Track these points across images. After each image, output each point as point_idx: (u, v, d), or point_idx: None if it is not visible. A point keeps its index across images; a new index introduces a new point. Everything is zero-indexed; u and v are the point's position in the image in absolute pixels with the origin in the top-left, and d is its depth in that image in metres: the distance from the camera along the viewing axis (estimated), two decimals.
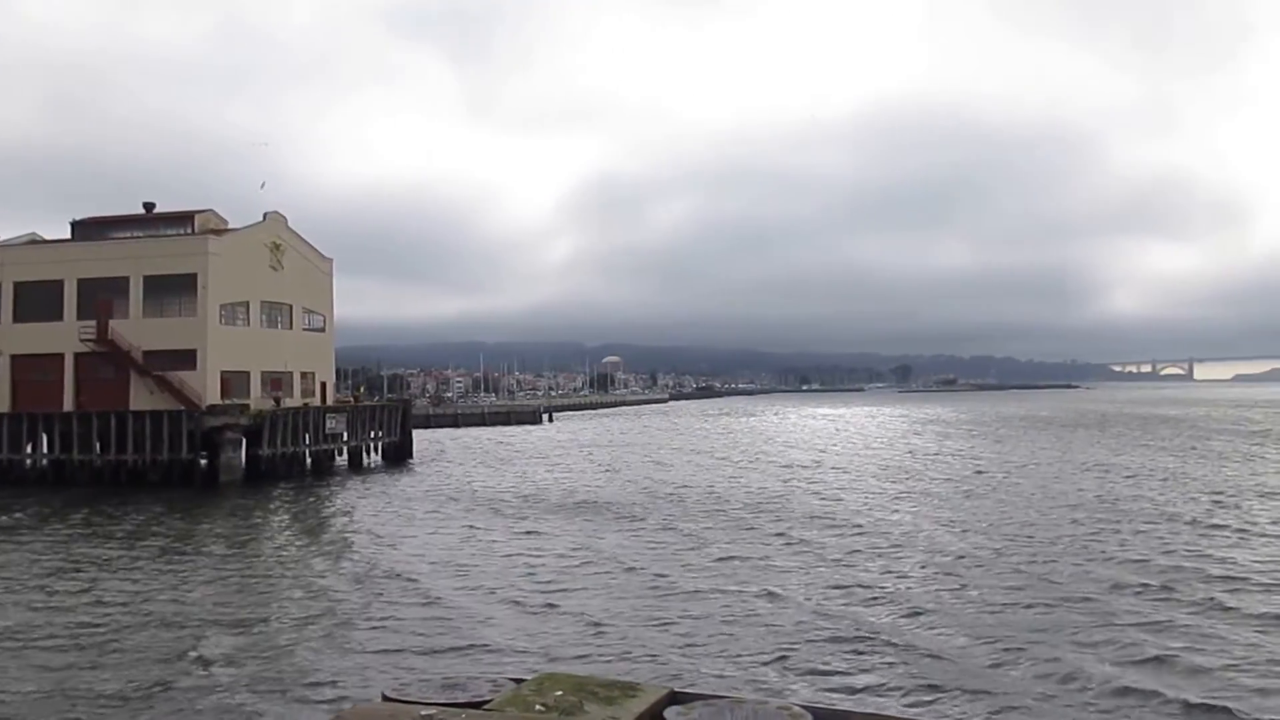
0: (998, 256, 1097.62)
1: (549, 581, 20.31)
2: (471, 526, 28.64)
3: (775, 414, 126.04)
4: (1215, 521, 27.13)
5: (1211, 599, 17.36)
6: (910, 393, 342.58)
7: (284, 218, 55.26)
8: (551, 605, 18.11)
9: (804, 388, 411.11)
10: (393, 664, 14.53)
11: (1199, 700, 12.18)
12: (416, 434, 63.72)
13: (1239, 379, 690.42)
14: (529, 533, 27.13)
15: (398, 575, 21.54)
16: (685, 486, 37.22)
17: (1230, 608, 16.92)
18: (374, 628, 17.04)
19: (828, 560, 21.41)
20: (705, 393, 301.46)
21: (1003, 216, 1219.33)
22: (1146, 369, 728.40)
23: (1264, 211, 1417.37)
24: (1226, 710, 11.83)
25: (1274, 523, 26.78)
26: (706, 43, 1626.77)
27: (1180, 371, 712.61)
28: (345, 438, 53.52)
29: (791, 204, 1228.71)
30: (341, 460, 53.35)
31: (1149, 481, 37.54)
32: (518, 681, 5.06)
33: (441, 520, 30.35)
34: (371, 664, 14.72)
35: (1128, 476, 39.32)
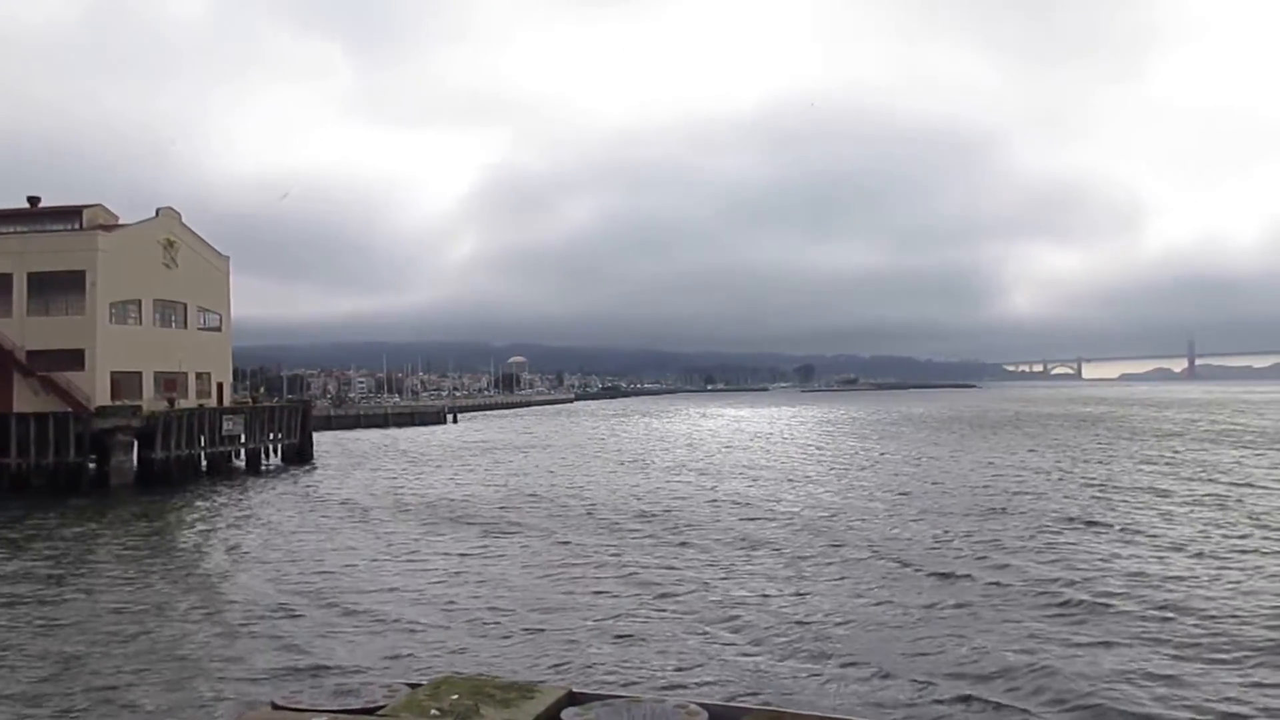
0: (898, 257, 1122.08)
1: (444, 586, 19.93)
2: (369, 532, 28.00)
3: (677, 414, 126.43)
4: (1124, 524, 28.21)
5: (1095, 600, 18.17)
6: (813, 392, 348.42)
7: (178, 214, 53.68)
8: (447, 610, 17.81)
9: (709, 387, 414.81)
10: (283, 671, 14.08)
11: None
12: (318, 436, 62.46)
13: (1124, 378, 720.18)
14: (425, 536, 26.59)
15: (289, 582, 20.96)
16: (579, 489, 36.97)
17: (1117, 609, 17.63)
18: (263, 635, 16.55)
19: (721, 564, 21.33)
20: (611, 393, 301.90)
21: (904, 217, 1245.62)
22: (1038, 368, 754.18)
23: (1153, 216, 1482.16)
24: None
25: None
26: (612, 39, 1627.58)
27: (1070, 371, 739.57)
28: (243, 440, 52.24)
29: (698, 203, 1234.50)
30: (239, 463, 52.06)
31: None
32: (413, 686, 5.01)
33: (337, 525, 29.63)
34: (260, 672, 14.28)
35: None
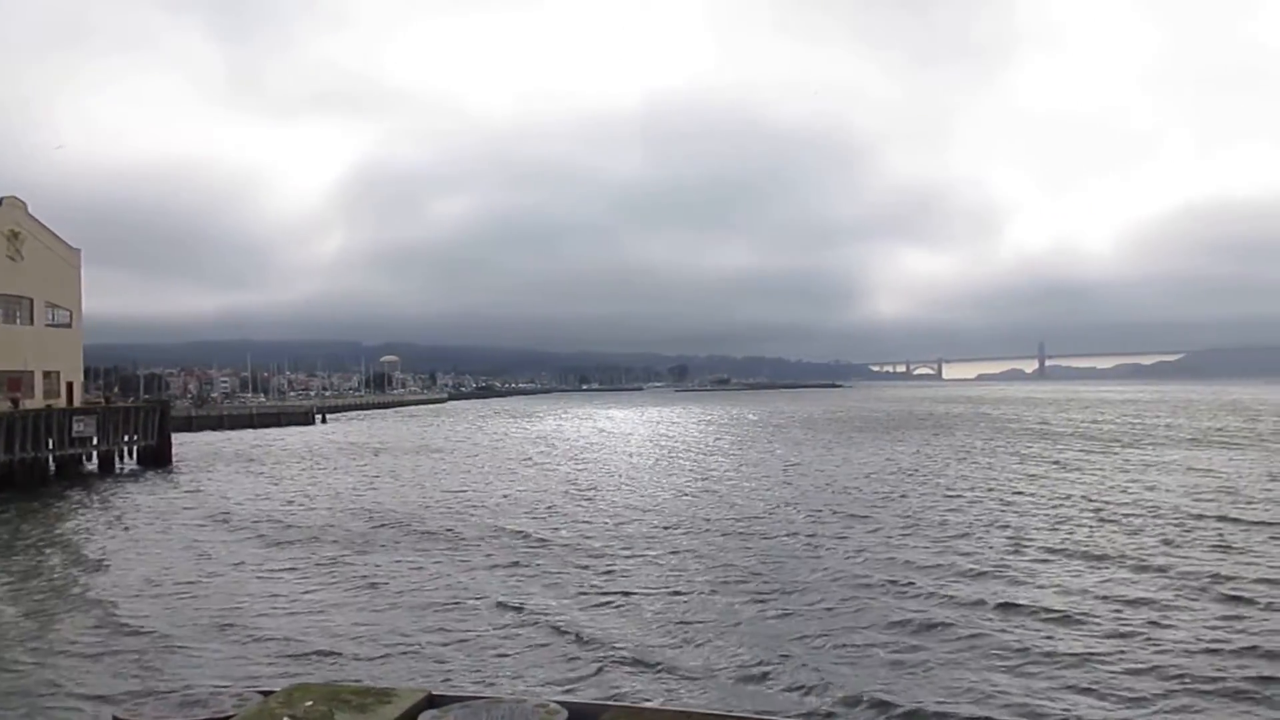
0: (772, 259, 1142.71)
1: (300, 595, 19.22)
2: (224, 539, 26.67)
3: (552, 415, 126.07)
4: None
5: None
6: (687, 392, 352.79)
7: (23, 204, 51.09)
8: (302, 619, 17.23)
9: (584, 387, 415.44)
10: (125, 693, 13.05)
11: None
12: (177, 437, 60.25)
13: (981, 378, 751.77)
14: (280, 544, 25.37)
15: (136, 593, 19.88)
16: (443, 495, 36.35)
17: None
18: (104, 652, 15.55)
19: (584, 567, 21.30)
20: (485, 392, 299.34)
21: (779, 219, 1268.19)
22: (901, 369, 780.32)
23: (1012, 222, 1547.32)
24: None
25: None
26: (495, 31, 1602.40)
27: (930, 371, 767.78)
28: (95, 441, 50.02)
29: (578, 201, 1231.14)
30: (91, 466, 49.81)
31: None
32: (265, 694, 4.82)
33: (191, 532, 28.16)
34: (101, 691, 13.46)
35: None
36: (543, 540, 23.97)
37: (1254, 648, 14.12)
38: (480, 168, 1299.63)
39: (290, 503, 34.76)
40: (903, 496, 32.63)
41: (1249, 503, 29.18)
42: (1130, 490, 33.02)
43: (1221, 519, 25.84)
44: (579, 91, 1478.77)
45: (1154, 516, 26.70)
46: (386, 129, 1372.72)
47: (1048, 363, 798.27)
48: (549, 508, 30.88)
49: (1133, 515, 26.99)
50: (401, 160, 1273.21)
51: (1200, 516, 26.31)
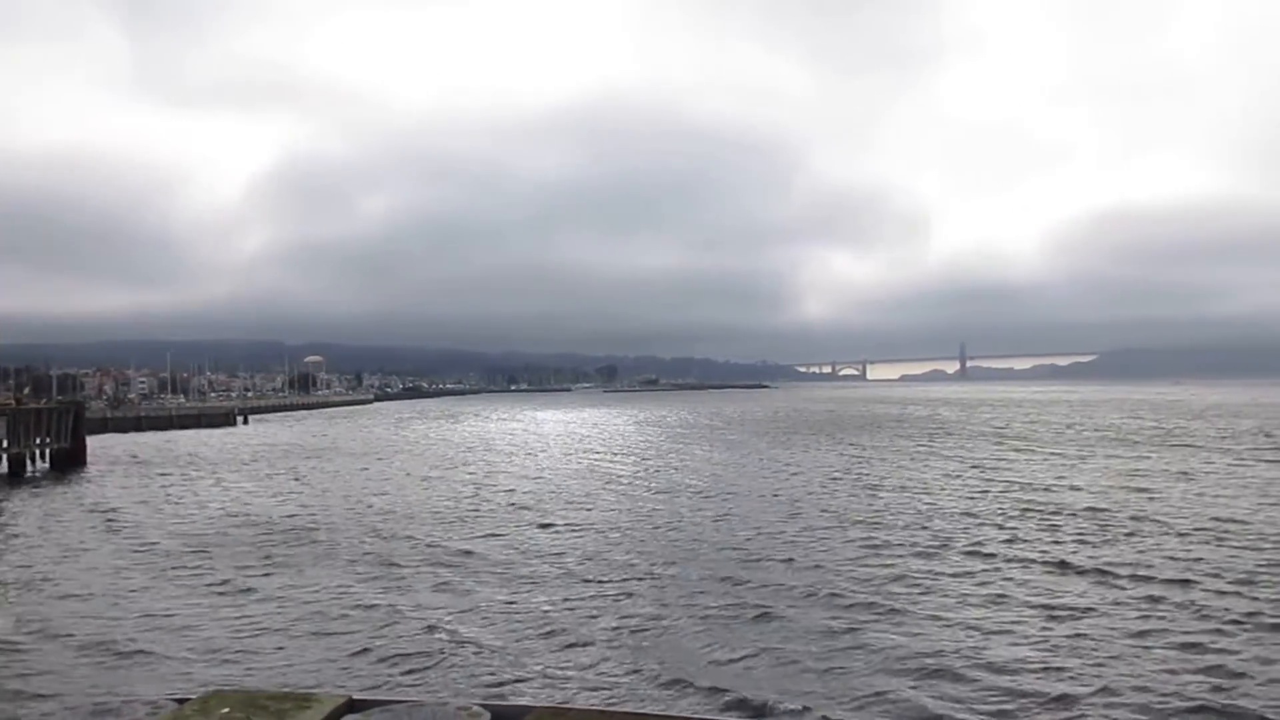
0: (701, 259, 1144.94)
1: (215, 602, 18.69)
2: (135, 547, 25.81)
3: (478, 417, 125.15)
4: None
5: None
6: (616, 392, 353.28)
7: None
8: (216, 626, 16.74)
9: (512, 388, 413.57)
10: (36, 692, 12.32)
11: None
12: (92, 439, 59.01)
13: (905, 379, 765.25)
14: (196, 549, 24.64)
15: (40, 603, 19.12)
16: (355, 502, 34.97)
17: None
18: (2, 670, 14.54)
19: (499, 574, 21.04)
20: (412, 393, 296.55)
21: (707, 219, 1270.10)
22: (827, 370, 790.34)
23: (937, 224, 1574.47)
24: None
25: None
26: (419, 26, 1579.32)
27: (855, 372, 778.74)
28: (5, 444, 48.86)
29: (506, 199, 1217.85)
30: (1, 469, 48.61)
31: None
32: (180, 702, 4.66)
33: (101, 539, 27.24)
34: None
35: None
36: (465, 551, 23.30)
37: (1175, 642, 14.62)
38: (406, 164, 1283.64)
39: (203, 507, 34.05)
40: (832, 495, 33.38)
41: (1157, 497, 30.50)
42: (1051, 488, 34.10)
43: (1137, 518, 26.79)
44: (508, 87, 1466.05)
45: (1070, 514, 27.55)
46: (308, 123, 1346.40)
47: (969, 363, 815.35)
48: (465, 516, 30.28)
49: (1053, 512, 27.97)
50: (324, 155, 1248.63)
51: (1111, 512, 27.44)
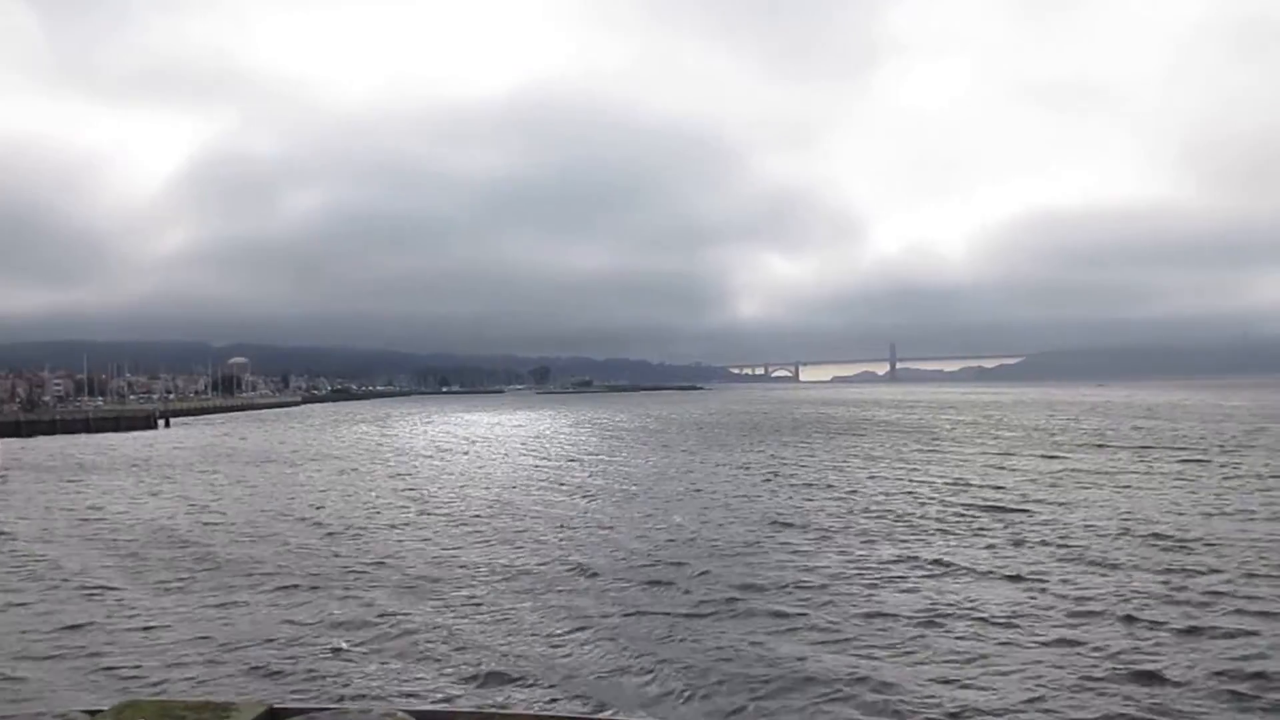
0: (637, 260, 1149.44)
1: (126, 611, 17.65)
2: (42, 556, 24.41)
3: (407, 419, 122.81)
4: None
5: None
6: (549, 394, 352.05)
7: None
8: (128, 637, 15.87)
9: (444, 389, 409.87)
10: None
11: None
12: (3, 443, 56.64)
13: (836, 380, 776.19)
14: (103, 557, 23.24)
15: None
16: (272, 510, 33.77)
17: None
18: None
19: (419, 581, 20.04)
20: (341, 395, 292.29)
21: (644, 219, 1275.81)
22: (760, 371, 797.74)
23: (873, 227, 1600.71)
24: None
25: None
26: (348, 18, 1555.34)
27: (788, 373, 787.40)
28: None
29: (439, 197, 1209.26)
30: None
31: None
32: (92, 714, 4.63)
33: (8, 548, 25.85)
34: None
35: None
36: (380, 563, 21.82)
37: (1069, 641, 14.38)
38: (337, 160, 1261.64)
39: (120, 514, 32.35)
40: (773, 496, 32.98)
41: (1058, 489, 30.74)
42: (973, 487, 34.18)
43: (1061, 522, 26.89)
44: (440, 82, 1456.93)
45: (998, 510, 27.66)
46: (234, 117, 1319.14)
47: (899, 365, 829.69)
48: (384, 524, 28.53)
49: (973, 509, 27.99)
50: (253, 150, 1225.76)
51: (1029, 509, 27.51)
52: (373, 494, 36.30)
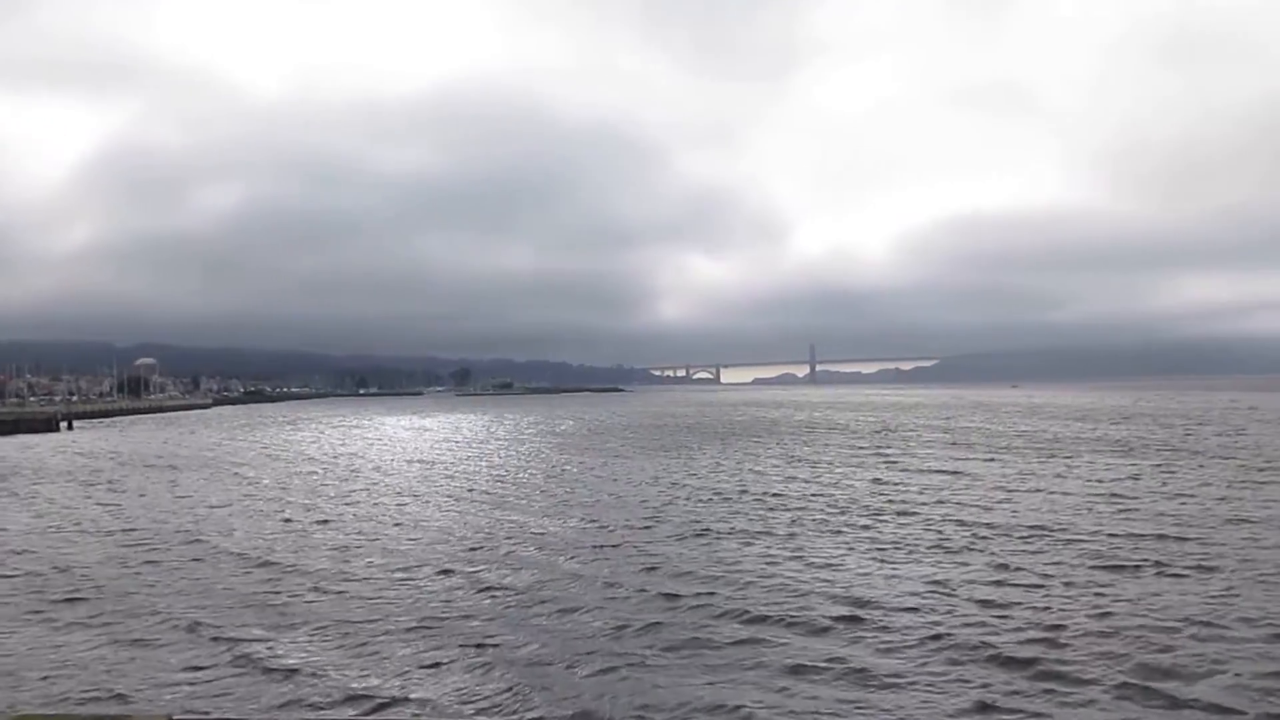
0: (558, 260, 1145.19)
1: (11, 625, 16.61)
2: None
3: (316, 423, 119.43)
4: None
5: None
6: (469, 396, 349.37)
7: None
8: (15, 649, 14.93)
9: (361, 391, 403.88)
10: None
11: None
12: None
13: (757, 382, 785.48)
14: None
15: None
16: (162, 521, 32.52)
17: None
18: None
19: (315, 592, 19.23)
20: (254, 397, 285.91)
21: (568, 219, 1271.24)
22: (681, 373, 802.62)
23: (794, 229, 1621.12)
24: None
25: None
26: (271, 7, 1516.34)
27: (709, 375, 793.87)
28: None
29: (354, 194, 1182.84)
30: None
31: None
32: None
33: None
34: None
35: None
36: (273, 579, 20.25)
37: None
38: (249, 154, 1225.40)
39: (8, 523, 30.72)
40: (686, 501, 32.73)
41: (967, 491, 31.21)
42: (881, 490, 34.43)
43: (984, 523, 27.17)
44: (360, 76, 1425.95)
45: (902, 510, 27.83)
46: (141, 107, 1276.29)
47: (818, 367, 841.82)
48: (277, 531, 27.20)
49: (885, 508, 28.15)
50: (162, 143, 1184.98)
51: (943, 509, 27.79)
52: (274, 503, 34.71)
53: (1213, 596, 16.72)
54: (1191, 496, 30.18)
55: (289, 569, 21.04)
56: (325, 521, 28.67)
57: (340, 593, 18.60)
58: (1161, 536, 22.65)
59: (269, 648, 14.75)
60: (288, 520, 29.22)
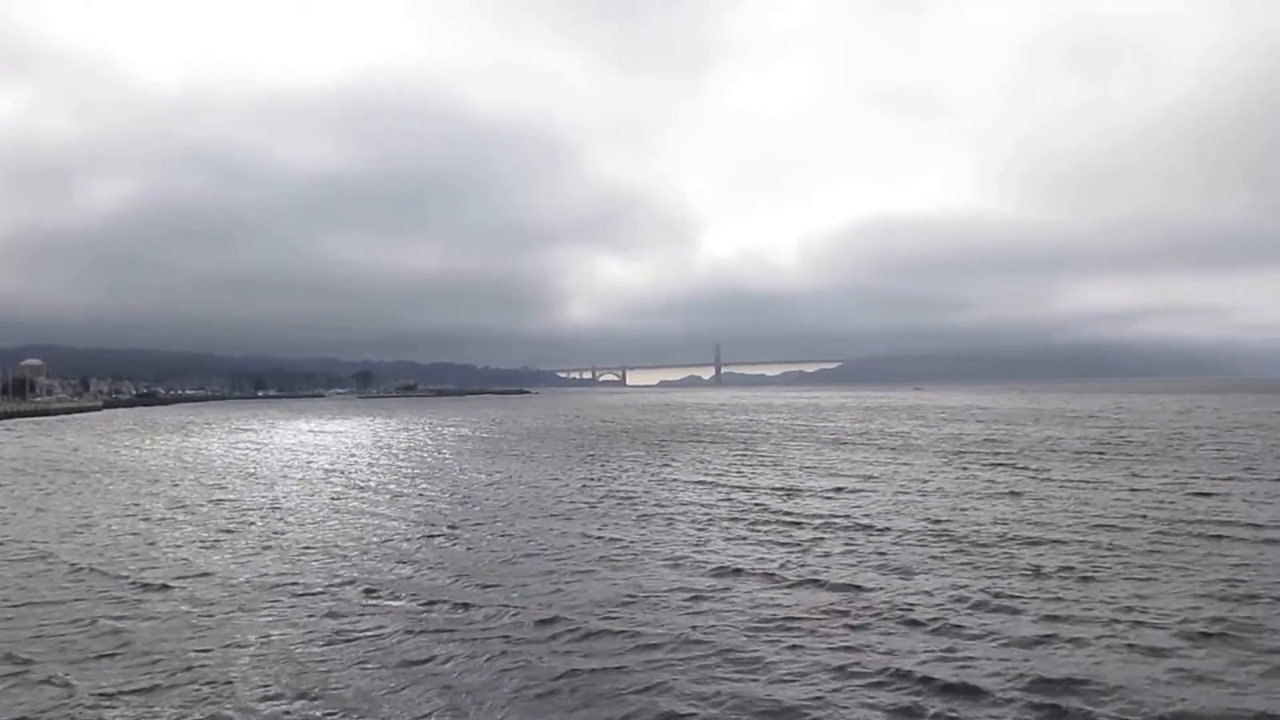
0: (466, 260, 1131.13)
1: None
2: None
3: (203, 427, 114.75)
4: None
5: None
6: (371, 399, 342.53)
7: None
8: None
9: (260, 394, 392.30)
10: None
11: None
12: None
13: (663, 384, 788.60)
14: None
15: None
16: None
17: None
18: None
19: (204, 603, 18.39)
20: (147, 400, 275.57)
21: (476, 218, 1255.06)
22: (587, 375, 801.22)
23: (705, 231, 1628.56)
24: None
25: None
26: None
27: (615, 378, 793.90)
28: None
29: (255, 190, 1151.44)
30: None
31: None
32: None
33: None
34: None
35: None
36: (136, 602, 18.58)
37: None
38: (145, 147, 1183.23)
39: None
40: (598, 509, 32.81)
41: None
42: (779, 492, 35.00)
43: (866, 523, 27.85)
44: (263, 67, 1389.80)
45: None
46: (26, 95, 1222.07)
47: (724, 369, 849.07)
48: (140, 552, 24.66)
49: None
50: (49, 134, 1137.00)
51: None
52: (141, 520, 33.35)
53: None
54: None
55: (116, 591, 19.22)
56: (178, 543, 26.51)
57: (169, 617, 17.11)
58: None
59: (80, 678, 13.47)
60: (133, 535, 26.76)
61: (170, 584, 19.73)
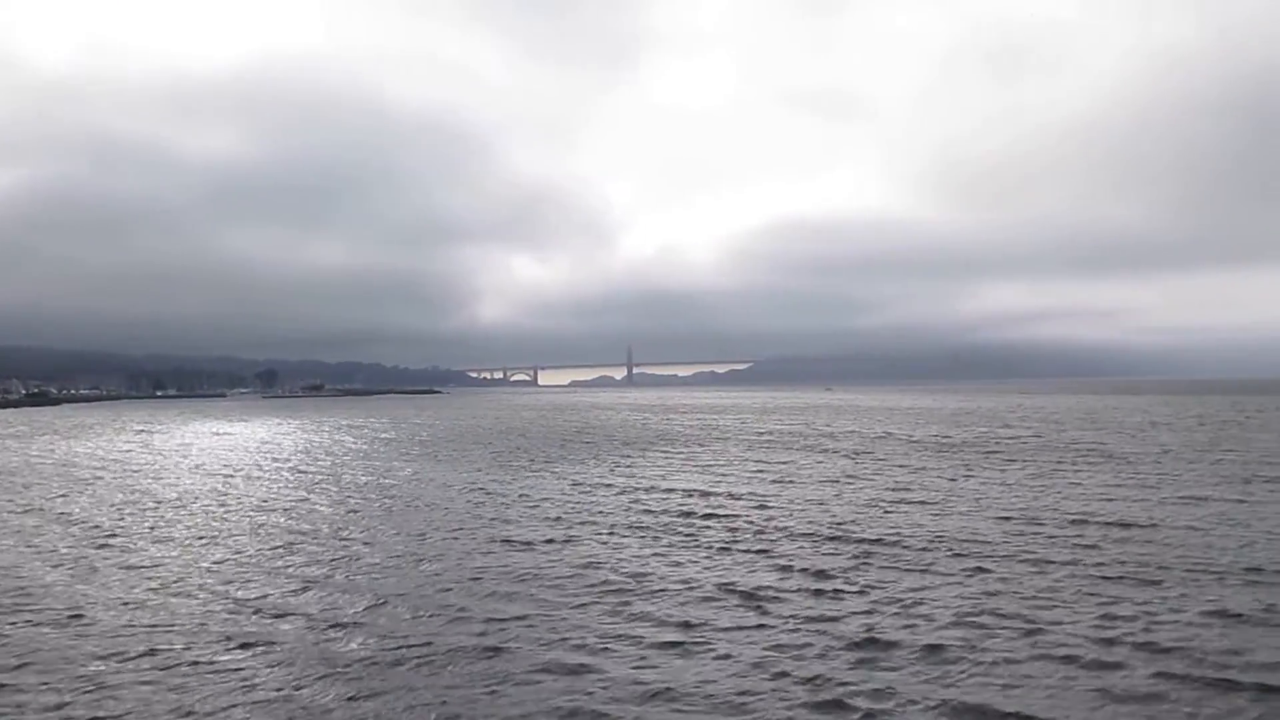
0: (375, 257, 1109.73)
1: None
2: None
3: (94, 429, 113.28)
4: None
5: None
6: (277, 399, 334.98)
7: None
8: None
9: (158, 394, 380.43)
10: None
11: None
12: None
13: (575, 384, 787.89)
14: None
15: None
16: None
17: None
18: None
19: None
20: (37, 400, 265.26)
21: (386, 213, 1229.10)
22: (499, 375, 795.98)
23: (620, 230, 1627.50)
24: None
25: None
26: None
27: (527, 378, 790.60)
28: None
29: (152, 180, 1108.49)
30: None
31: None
32: None
33: None
34: None
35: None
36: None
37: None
38: (30, 133, 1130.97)
39: None
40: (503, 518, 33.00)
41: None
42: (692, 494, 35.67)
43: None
44: (160, 50, 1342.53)
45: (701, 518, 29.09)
46: None
47: (636, 370, 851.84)
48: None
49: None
50: None
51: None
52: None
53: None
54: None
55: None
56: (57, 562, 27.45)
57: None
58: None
59: None
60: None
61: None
